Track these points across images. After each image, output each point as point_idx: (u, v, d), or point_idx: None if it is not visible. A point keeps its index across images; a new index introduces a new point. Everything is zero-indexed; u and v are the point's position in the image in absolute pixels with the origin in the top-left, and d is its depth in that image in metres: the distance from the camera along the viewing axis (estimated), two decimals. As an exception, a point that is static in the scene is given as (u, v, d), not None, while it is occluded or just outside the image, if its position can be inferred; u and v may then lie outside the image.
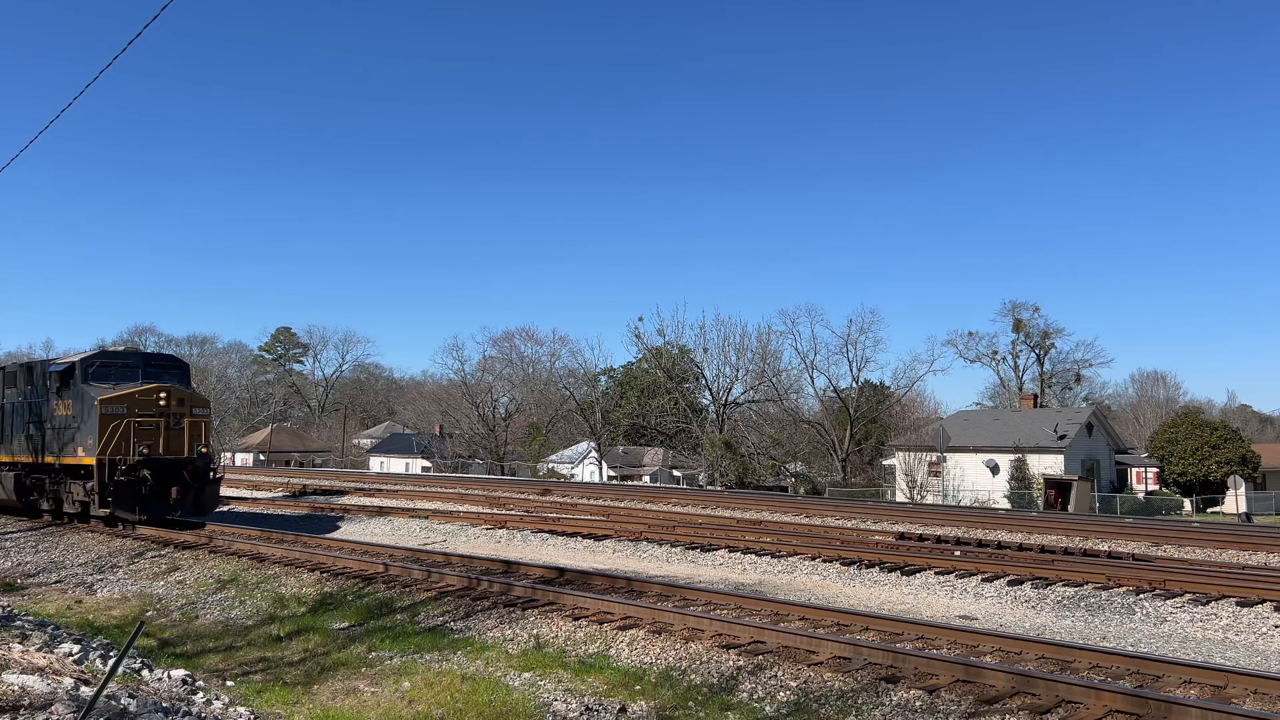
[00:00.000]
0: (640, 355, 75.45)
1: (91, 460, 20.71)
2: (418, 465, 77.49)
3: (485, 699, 9.14)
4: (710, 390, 70.43)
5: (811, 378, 68.08)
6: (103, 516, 21.29)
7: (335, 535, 21.80)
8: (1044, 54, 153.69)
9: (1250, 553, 19.82)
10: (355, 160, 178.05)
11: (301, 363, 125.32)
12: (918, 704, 8.66)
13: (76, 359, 22.25)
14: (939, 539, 21.52)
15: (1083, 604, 14.25)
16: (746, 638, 10.72)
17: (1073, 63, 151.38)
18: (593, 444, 71.95)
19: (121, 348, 24.83)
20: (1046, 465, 52.73)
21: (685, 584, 14.74)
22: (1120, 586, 14.87)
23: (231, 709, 8.48)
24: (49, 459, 22.55)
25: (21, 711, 6.23)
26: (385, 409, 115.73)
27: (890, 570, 16.74)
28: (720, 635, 10.89)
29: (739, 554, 18.82)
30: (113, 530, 21.43)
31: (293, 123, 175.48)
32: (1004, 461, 54.41)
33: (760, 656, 10.12)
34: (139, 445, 20.81)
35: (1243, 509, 48.41)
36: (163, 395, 21.33)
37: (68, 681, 7.25)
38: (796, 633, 10.78)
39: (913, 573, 16.55)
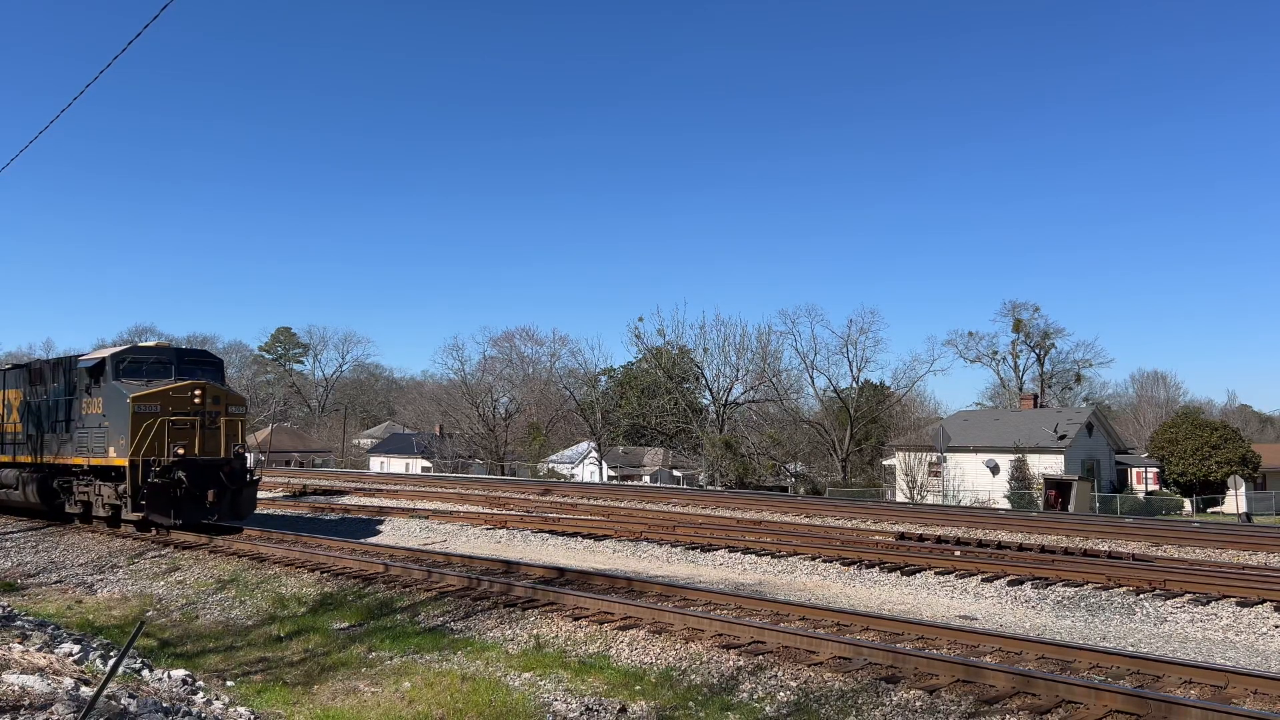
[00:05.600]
0: (640, 355, 75.49)
1: (123, 461, 19.72)
2: (418, 465, 77.49)
3: (485, 699, 9.14)
4: (710, 390, 70.45)
5: (811, 378, 68.18)
6: (135, 521, 20.37)
7: (335, 536, 21.76)
8: (1043, 52, 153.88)
9: (1250, 553, 19.82)
10: (355, 160, 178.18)
11: (301, 363, 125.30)
12: (918, 704, 8.66)
13: (107, 354, 21.31)
14: (939, 539, 21.52)
15: (1083, 604, 14.25)
16: (747, 638, 10.72)
17: (1071, 61, 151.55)
18: (593, 444, 71.94)
19: (153, 343, 23.72)
20: (1046, 465, 52.73)
21: (685, 584, 14.75)
22: (1120, 586, 14.87)
23: (232, 709, 8.48)
24: (77, 460, 21.56)
25: (22, 711, 6.23)
26: (385, 409, 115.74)
27: (890, 570, 16.74)
28: (720, 635, 10.89)
29: (739, 554, 18.81)
30: (112, 530, 21.31)
31: (292, 122, 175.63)
32: (1004, 461, 54.41)
33: (760, 656, 10.11)
34: (173, 445, 19.79)
35: (1243, 509, 48.40)
36: (198, 393, 20.36)
37: (68, 681, 7.25)
38: (797, 633, 10.78)
39: (913, 573, 16.54)
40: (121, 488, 20.04)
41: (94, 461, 20.99)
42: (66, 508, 22.62)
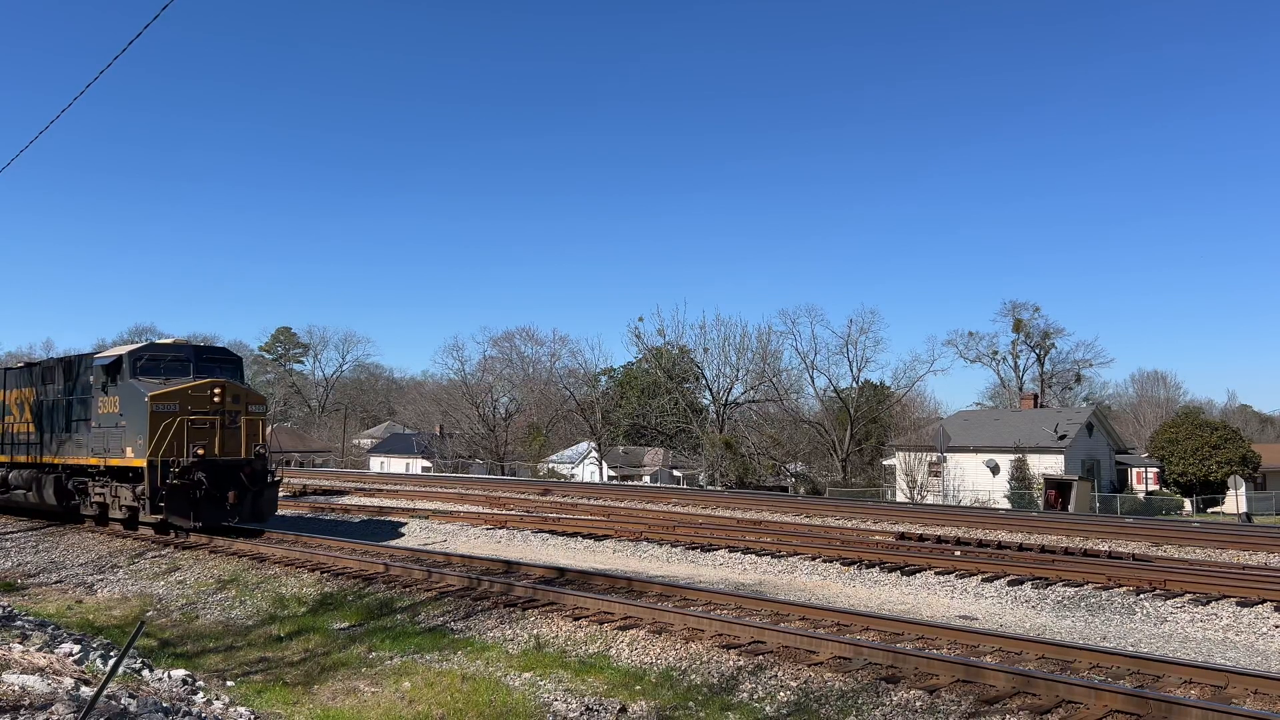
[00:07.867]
0: (640, 355, 75.51)
1: (141, 462, 19.23)
2: (418, 465, 77.48)
3: (485, 699, 9.14)
4: (710, 390, 70.45)
5: (811, 378, 68.17)
6: (153, 523, 19.99)
7: (335, 535, 21.73)
8: (1043, 52, 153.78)
9: (1250, 553, 19.82)
10: (355, 160, 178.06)
11: (302, 363, 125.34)
12: (918, 704, 8.66)
13: (124, 351, 20.92)
14: (939, 539, 21.52)
15: (1083, 604, 14.26)
16: (747, 638, 10.72)
17: (1071, 61, 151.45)
18: (593, 444, 71.93)
19: (170, 339, 22.98)
20: (1046, 465, 52.72)
21: (685, 584, 14.75)
22: (1120, 586, 14.87)
23: (232, 709, 8.48)
24: (93, 460, 21.03)
25: (22, 711, 6.23)
26: (385, 409, 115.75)
27: (890, 570, 16.74)
28: (720, 635, 10.89)
29: (739, 554, 18.81)
30: (114, 531, 21.27)
31: (292, 122, 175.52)
32: (1004, 461, 54.41)
33: (760, 656, 10.11)
34: (193, 445, 19.29)
35: (1243, 509, 48.41)
36: (217, 391, 19.86)
37: (68, 682, 7.25)
38: (797, 633, 10.78)
39: (913, 573, 16.55)
40: (139, 489, 19.63)
41: (110, 462, 20.54)
42: (81, 509, 22.20)
